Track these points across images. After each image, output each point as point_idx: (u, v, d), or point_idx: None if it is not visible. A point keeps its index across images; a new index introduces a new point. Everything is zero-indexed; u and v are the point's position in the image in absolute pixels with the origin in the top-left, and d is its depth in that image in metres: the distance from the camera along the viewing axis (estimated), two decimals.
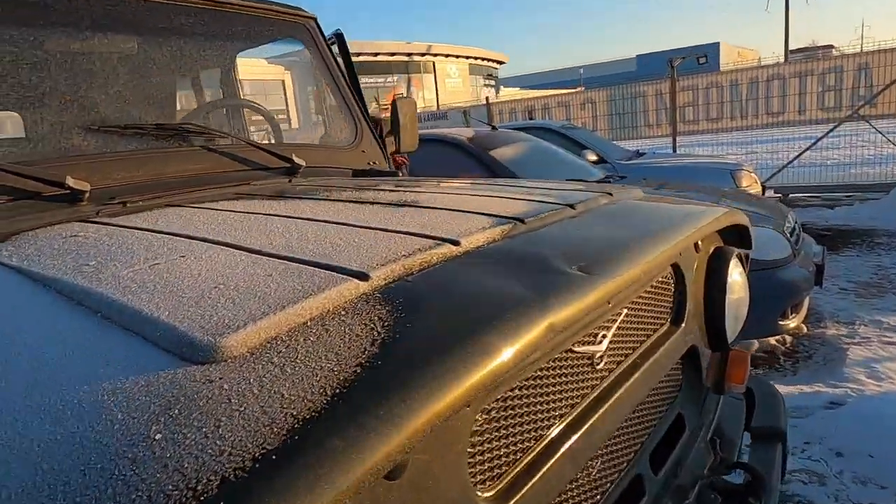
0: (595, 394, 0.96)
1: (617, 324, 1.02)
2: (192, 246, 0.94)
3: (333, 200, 1.33)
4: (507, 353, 0.66)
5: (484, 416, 0.72)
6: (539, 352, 0.76)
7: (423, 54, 40.28)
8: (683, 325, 1.26)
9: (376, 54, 38.19)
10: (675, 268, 1.25)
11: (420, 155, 4.52)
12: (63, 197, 1.53)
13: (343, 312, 0.67)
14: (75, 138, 1.78)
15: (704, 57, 9.23)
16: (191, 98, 2.41)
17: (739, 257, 1.50)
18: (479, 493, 0.69)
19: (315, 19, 2.51)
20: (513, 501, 0.73)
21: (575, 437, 0.86)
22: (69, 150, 1.73)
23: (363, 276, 0.75)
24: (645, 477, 1.11)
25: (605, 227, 1.10)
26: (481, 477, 0.71)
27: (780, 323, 3.47)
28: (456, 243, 0.89)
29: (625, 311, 1.04)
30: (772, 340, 4.01)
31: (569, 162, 4.94)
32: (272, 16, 2.34)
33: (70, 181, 1.52)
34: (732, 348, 1.49)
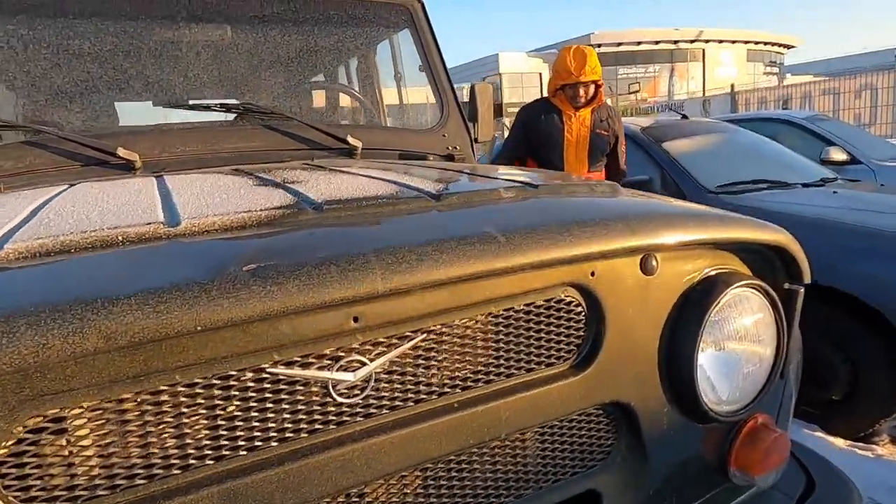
0: (328, 436, 0.75)
1: (399, 351, 0.78)
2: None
3: (242, 174, 1.28)
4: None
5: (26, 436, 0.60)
6: (124, 364, 0.61)
7: (691, 41, 37.00)
8: (590, 370, 0.91)
9: (639, 43, 36.33)
10: (582, 290, 0.91)
11: None
12: (121, 165, 1.74)
13: None
14: (146, 114, 2.03)
15: None
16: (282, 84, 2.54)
17: (765, 292, 1.04)
18: None
19: (422, 3, 2.45)
20: None
21: (237, 481, 0.68)
22: (137, 125, 1.98)
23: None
24: None
25: (436, 226, 0.84)
26: None
27: None
28: (175, 225, 0.77)
29: (421, 336, 0.79)
30: None
31: (774, 157, 4.02)
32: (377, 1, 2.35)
33: (121, 151, 1.71)
34: (727, 419, 1.04)
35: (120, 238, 0.74)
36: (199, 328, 0.61)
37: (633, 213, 0.94)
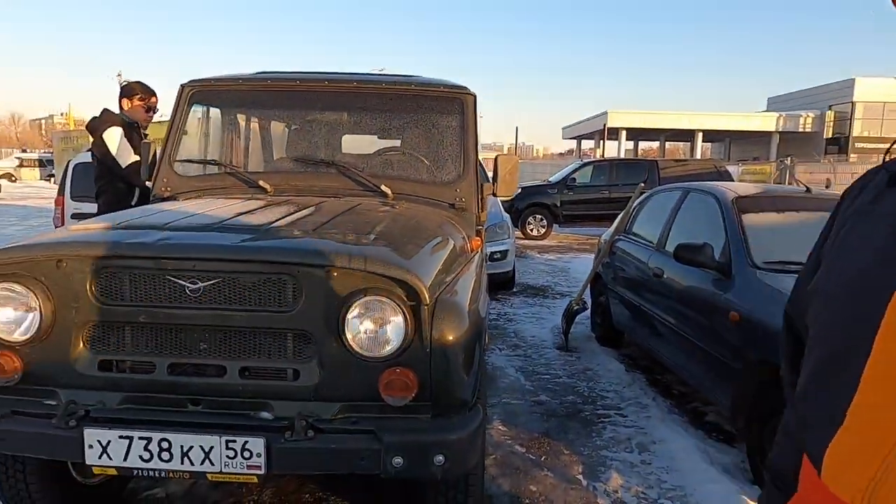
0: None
1: (214, 281, 2.13)
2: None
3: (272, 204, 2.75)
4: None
5: None
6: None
7: None
8: (292, 312, 2.11)
9: None
10: (291, 275, 2.11)
11: (686, 205, 4.65)
12: (263, 189, 3.42)
13: None
14: (285, 164, 3.72)
15: None
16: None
17: (394, 302, 2.06)
18: None
19: (475, 97, 3.64)
20: None
21: None
22: (279, 169, 3.68)
23: None
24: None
25: (234, 240, 2.17)
26: None
27: None
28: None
29: (222, 276, 2.12)
30: None
31: None
32: (441, 94, 3.65)
33: (261, 182, 3.41)
34: (372, 362, 2.08)
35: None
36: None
37: (324, 248, 2.10)
